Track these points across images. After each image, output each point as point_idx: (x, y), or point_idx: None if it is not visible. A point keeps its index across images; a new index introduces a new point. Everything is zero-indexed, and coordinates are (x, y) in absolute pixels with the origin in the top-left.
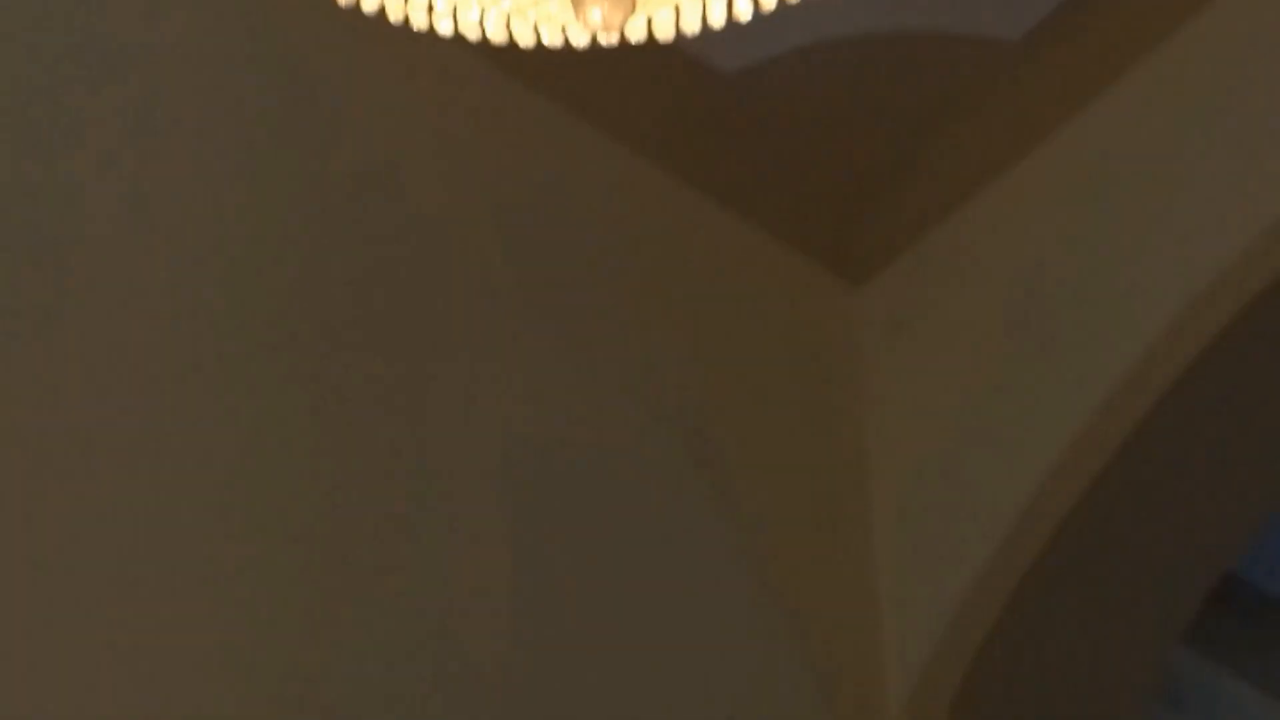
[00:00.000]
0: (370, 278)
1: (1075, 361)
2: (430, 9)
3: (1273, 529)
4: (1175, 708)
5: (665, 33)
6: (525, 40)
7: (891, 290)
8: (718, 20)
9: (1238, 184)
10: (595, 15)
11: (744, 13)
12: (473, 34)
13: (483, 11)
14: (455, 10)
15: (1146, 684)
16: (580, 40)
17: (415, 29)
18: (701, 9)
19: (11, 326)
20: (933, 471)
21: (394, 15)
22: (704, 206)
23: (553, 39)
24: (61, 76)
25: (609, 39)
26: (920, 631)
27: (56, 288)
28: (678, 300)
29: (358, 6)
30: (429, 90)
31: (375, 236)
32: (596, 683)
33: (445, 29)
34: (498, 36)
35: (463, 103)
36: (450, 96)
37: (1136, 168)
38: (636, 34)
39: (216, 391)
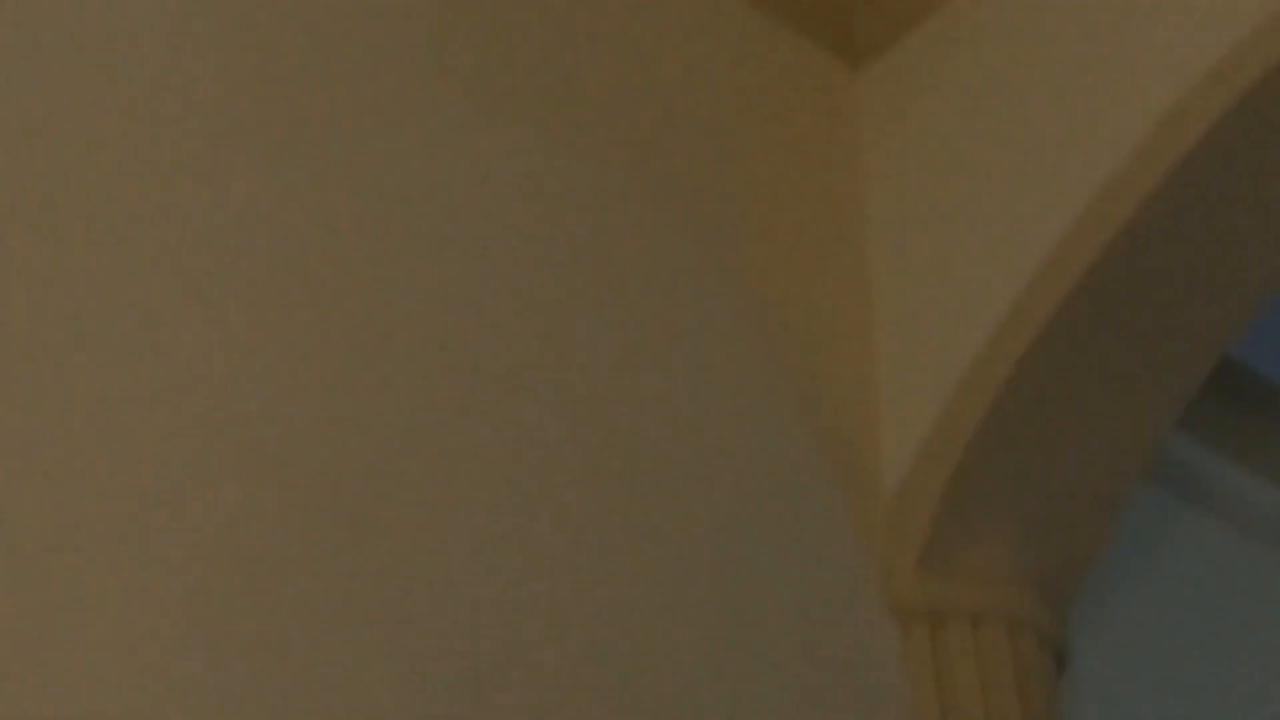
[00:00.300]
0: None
1: (1077, 144)
2: None
3: (1272, 316)
4: (1173, 493)
5: None
6: None
7: (891, 73)
8: None
9: None
10: None
11: None
12: None
13: None
14: None
15: (1143, 469)
16: None
17: None
18: None
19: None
20: (932, 254)
21: None
22: None
23: None
24: None
25: None
26: (917, 413)
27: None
28: (678, 82)
29: None
30: None
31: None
32: (599, 448)
33: None
34: None
35: None
36: None
37: None
38: None
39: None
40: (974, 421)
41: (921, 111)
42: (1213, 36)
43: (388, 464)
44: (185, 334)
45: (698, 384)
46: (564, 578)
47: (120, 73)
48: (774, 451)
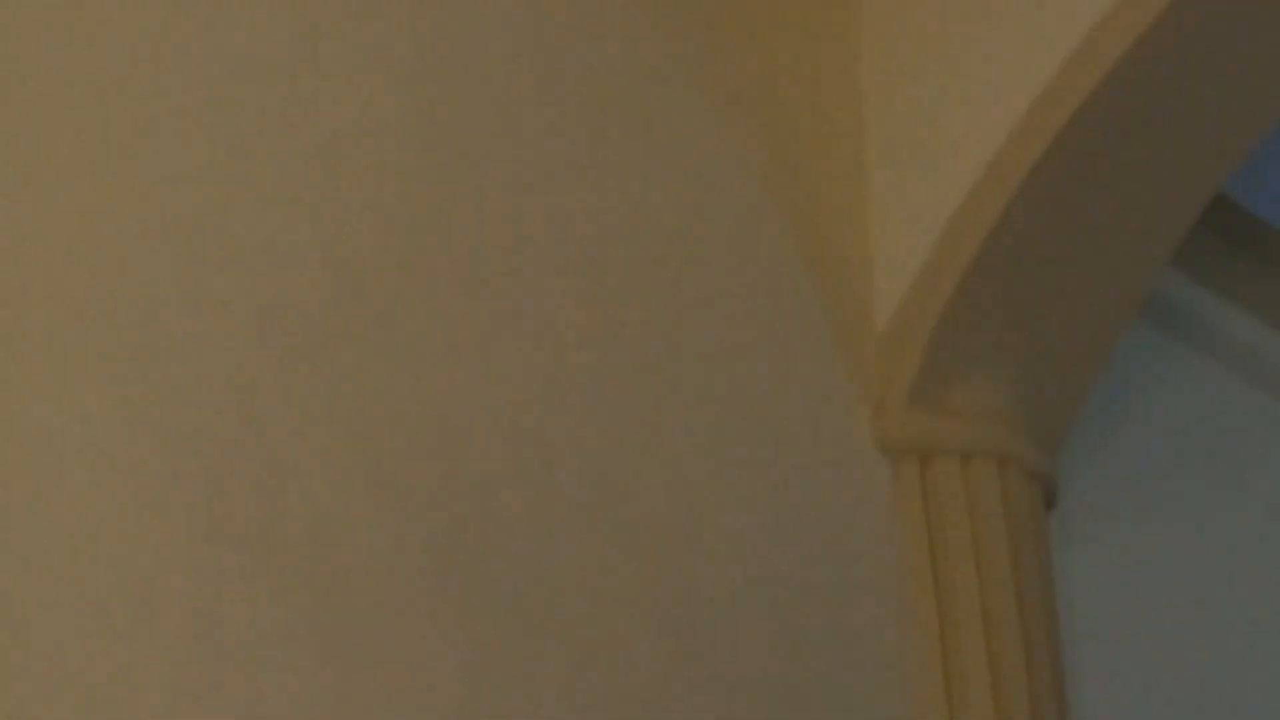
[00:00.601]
0: None
1: None
2: None
3: (1268, 152)
4: (1165, 332)
5: None
6: None
7: None
8: None
9: None
10: None
11: None
12: None
13: None
14: None
15: (1136, 307)
16: None
17: None
18: None
19: None
20: (926, 87)
21: None
22: None
23: None
24: None
25: None
26: (909, 249)
27: None
28: None
29: None
30: None
31: None
32: (590, 292)
33: None
34: None
35: None
36: None
37: None
38: None
39: None
40: (967, 257)
41: None
42: None
43: (365, 288)
44: (174, 157)
45: (688, 217)
46: (544, 402)
47: None
48: (764, 285)
